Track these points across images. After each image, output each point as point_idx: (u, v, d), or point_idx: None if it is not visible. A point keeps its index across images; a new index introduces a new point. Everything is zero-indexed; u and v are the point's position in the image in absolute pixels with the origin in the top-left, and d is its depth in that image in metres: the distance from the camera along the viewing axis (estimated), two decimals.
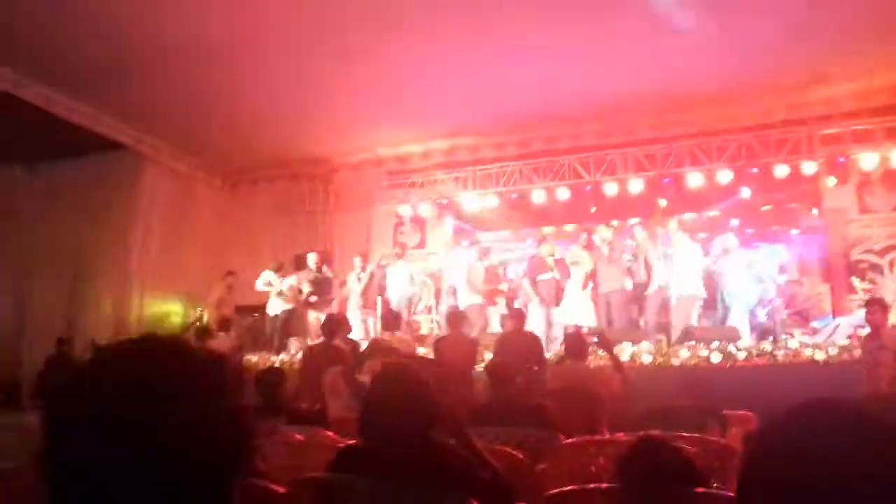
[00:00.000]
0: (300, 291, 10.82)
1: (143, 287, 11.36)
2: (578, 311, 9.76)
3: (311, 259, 11.16)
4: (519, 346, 7.14)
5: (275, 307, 10.75)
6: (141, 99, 9.79)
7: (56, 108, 9.77)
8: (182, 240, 11.91)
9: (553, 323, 9.68)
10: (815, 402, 0.96)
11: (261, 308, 11.05)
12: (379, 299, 10.69)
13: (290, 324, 10.61)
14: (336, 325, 7.95)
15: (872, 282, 9.18)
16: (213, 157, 12.29)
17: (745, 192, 10.71)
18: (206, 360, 0.95)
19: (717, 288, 9.42)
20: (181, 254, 11.76)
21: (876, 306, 6.77)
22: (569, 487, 2.54)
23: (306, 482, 2.45)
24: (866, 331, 6.99)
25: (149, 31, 8.02)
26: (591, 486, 2.49)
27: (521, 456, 3.30)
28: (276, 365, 8.37)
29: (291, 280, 10.84)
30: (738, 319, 8.96)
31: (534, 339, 7.40)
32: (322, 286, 11.04)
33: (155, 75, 9.05)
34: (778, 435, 0.95)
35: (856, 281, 9.57)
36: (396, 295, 10.46)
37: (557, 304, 9.83)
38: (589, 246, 10.24)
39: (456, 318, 8.02)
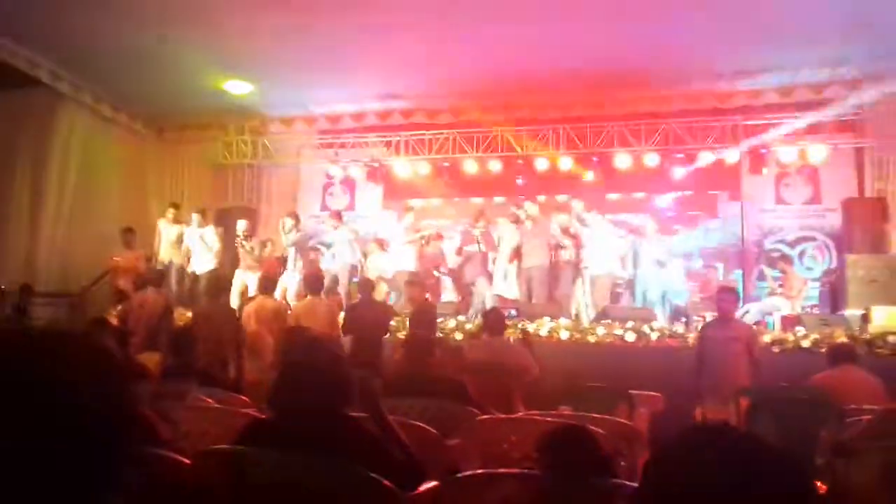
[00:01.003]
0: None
1: (56, 231, 10.83)
2: (504, 285, 9.84)
3: (241, 227, 10.20)
4: (417, 316, 7.28)
5: (202, 264, 10.39)
6: (61, 32, 9.22)
7: None
8: (100, 185, 11.39)
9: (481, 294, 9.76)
10: (706, 428, 1.18)
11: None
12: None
13: (220, 281, 10.04)
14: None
15: (783, 271, 9.51)
16: (138, 101, 11.72)
17: (677, 174, 10.88)
18: (86, 355, 0.93)
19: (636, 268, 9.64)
20: (98, 200, 11.26)
21: (727, 294, 6.46)
22: (480, 471, 2.55)
23: (214, 454, 2.40)
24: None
25: None
26: (504, 470, 2.51)
27: (433, 431, 3.32)
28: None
29: (211, 234, 10.48)
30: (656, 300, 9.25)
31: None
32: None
33: (77, 8, 8.55)
34: (675, 453, 1.09)
35: (767, 269, 9.95)
36: (339, 262, 10.24)
37: (487, 278, 9.90)
38: (516, 220, 10.29)
39: (367, 285, 7.97)
